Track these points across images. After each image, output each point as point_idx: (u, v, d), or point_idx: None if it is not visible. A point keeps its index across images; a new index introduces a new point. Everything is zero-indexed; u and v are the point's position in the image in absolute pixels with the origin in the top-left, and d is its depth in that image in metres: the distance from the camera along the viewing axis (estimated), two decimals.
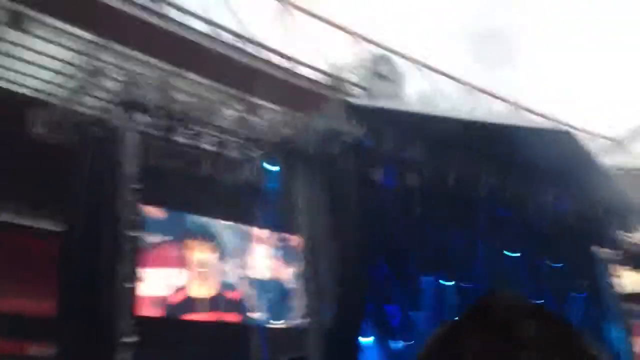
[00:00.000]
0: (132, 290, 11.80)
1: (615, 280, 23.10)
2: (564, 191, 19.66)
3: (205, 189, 14.18)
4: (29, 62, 13.34)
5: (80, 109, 13.30)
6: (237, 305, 13.67)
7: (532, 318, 0.70)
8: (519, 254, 20.85)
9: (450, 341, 0.73)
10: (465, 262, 19.30)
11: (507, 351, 0.66)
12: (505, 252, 20.55)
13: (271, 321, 14.05)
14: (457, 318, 0.78)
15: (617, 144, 32.35)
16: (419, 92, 20.92)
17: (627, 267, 23.25)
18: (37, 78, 13.67)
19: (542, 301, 21.43)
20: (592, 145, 24.14)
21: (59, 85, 13.72)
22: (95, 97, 13.45)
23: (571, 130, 21.49)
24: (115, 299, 11.45)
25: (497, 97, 26.72)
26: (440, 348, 0.74)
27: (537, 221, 19.57)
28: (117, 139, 12.86)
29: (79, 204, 11.98)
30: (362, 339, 14.98)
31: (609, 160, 29.93)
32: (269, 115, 15.43)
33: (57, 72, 13.60)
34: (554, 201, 19.82)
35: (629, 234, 23.24)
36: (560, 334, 0.70)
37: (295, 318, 14.23)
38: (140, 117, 13.06)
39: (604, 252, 22.73)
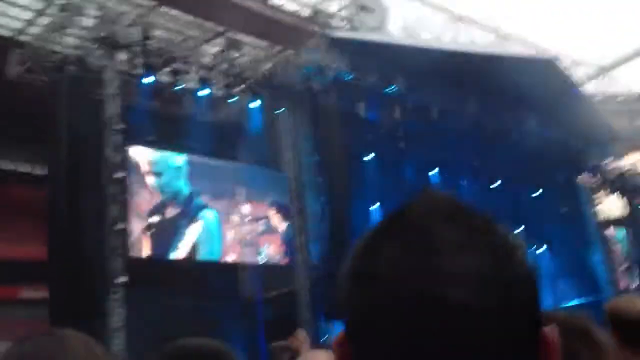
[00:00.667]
0: (122, 231, 11.87)
1: (595, 207, 23.64)
2: (547, 120, 19.79)
3: (188, 128, 14.08)
4: (2, 0, 12.90)
5: (57, 48, 12.98)
6: (228, 244, 13.84)
7: (451, 221, 0.69)
8: (499, 182, 21.19)
9: (368, 248, 0.72)
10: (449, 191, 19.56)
11: (423, 257, 0.66)
12: (488, 180, 20.86)
13: (260, 258, 14.29)
14: (374, 226, 0.76)
15: (602, 70, 32.36)
16: (402, 24, 20.60)
17: (607, 193, 23.75)
18: (11, 17, 13.25)
19: (522, 227, 22.01)
20: (576, 73, 24.16)
21: (35, 24, 13.33)
22: (73, 35, 13.10)
23: (555, 58, 21.40)
24: (104, 240, 11.54)
25: (480, 26, 26.41)
26: (359, 256, 0.73)
27: (519, 150, 19.80)
28: (97, 78, 12.64)
29: (61, 147, 11.86)
30: None
31: (593, 87, 30.07)
32: (251, 51, 15.18)
33: (32, 10, 13.19)
34: (536, 130, 19.99)
35: (610, 161, 23.62)
36: (481, 235, 0.69)
37: (283, 255, 14.48)
38: (119, 55, 12.80)
39: (585, 179, 23.14)
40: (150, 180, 12.97)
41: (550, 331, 0.71)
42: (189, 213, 13.33)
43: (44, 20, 13.25)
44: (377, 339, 0.67)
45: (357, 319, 0.70)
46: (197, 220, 13.40)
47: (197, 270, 13.51)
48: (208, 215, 13.62)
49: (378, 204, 17.32)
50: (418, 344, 0.64)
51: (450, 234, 0.67)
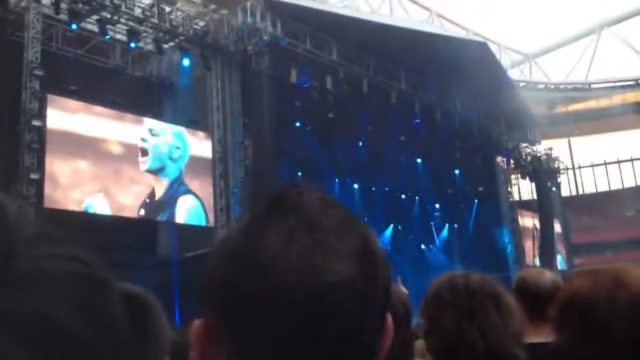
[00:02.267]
0: (39, 181, 11.46)
1: (509, 188, 24.69)
2: (471, 101, 20.37)
3: (114, 81, 13.62)
4: None
5: None
6: (148, 202, 13.60)
7: (328, 207, 0.75)
8: (420, 160, 21.75)
9: (249, 232, 0.73)
10: (372, 167, 19.93)
11: (311, 237, 0.71)
12: (412, 155, 21.34)
13: (181, 220, 14.14)
14: (250, 210, 0.79)
15: (527, 58, 33.45)
16: None
17: (522, 177, 24.83)
18: None
19: (442, 204, 22.76)
20: (504, 58, 24.88)
21: None
22: None
23: (485, 42, 21.96)
24: (20, 190, 11.11)
25: (416, 3, 26.68)
26: (239, 240, 0.73)
27: (442, 128, 20.33)
28: (19, 20, 11.99)
29: None
30: None
31: (517, 73, 31.06)
32: (184, 6, 14.76)
33: None
34: (460, 110, 20.56)
35: (527, 145, 24.63)
36: (351, 219, 0.76)
37: (204, 216, 14.39)
38: None
39: (502, 160, 24.07)
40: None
41: (389, 316, 0.79)
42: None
43: None
44: (263, 319, 0.69)
45: (238, 302, 0.70)
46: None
47: (115, 225, 13.26)
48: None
49: (301, 171, 17.44)
50: (308, 311, 0.68)
51: (330, 218, 0.73)
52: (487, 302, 1.92)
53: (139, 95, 13.75)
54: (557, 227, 25.15)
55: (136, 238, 13.55)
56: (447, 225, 23.37)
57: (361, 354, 0.74)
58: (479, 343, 1.85)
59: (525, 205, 25.47)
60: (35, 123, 11.68)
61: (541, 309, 2.59)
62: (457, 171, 22.94)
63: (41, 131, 11.78)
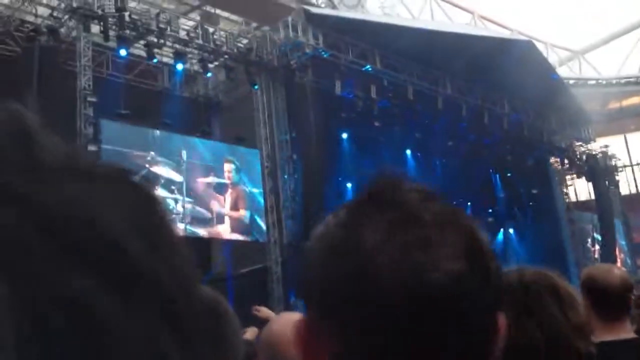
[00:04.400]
0: None
1: (564, 189, 24.05)
2: (520, 102, 19.99)
3: (162, 103, 13.94)
4: None
5: (30, 18, 12.71)
6: (202, 219, 13.83)
7: (427, 200, 0.72)
8: (471, 165, 21.42)
9: (347, 231, 0.71)
10: (420, 175, 19.76)
11: (412, 231, 0.68)
12: (461, 161, 21.05)
13: (234, 235, 14.31)
14: (348, 202, 0.76)
15: (576, 55, 32.68)
16: (380, 2, 20.52)
17: (577, 176, 24.15)
18: None
19: (495, 208, 22.32)
20: (551, 56, 24.38)
21: None
22: (45, 4, 12.83)
23: (531, 40, 21.56)
24: None
25: (458, 7, 26.43)
26: (337, 240, 0.71)
27: (492, 131, 20.00)
28: (70, 50, 12.42)
29: None
30: None
31: (566, 70, 30.36)
32: (227, 25, 15.03)
33: None
34: (509, 112, 20.20)
35: (581, 144, 23.98)
36: (452, 212, 0.72)
37: (257, 232, 14.52)
38: (93, 27, 12.59)
39: (556, 161, 23.49)
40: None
41: (502, 316, 0.74)
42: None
43: None
44: (364, 317, 0.67)
45: (339, 300, 0.68)
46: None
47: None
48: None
49: (351, 183, 17.41)
50: (414, 310, 0.66)
51: (430, 211, 0.70)
52: (543, 295, 1.86)
53: (187, 115, 14.02)
54: (619, 227, 24.33)
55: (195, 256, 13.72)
56: (501, 230, 22.90)
57: (476, 354, 0.70)
58: (538, 337, 1.79)
59: (583, 205, 24.74)
60: (92, 148, 12.04)
61: (611, 307, 2.49)
62: (509, 174, 22.50)
63: (97, 155, 12.13)
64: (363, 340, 0.68)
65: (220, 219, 14.20)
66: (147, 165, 13.01)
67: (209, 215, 13.96)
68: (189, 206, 13.63)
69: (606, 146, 24.81)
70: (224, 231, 14.29)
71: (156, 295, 0.36)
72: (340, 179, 16.82)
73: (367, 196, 0.74)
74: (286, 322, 1.90)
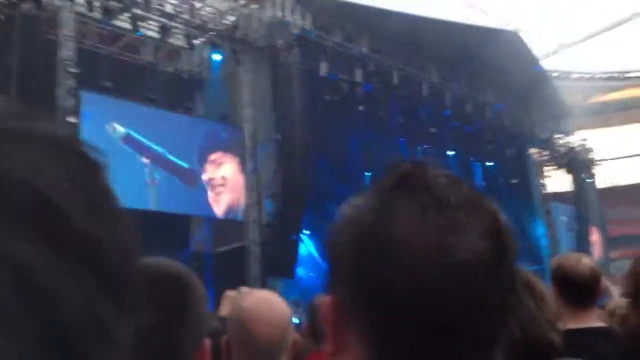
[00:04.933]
0: None
1: (542, 180, 24.31)
2: (504, 92, 20.08)
3: (146, 77, 13.78)
4: None
5: None
6: (183, 197, 13.76)
7: (453, 184, 0.75)
8: (453, 152, 21.51)
9: (378, 210, 0.73)
10: (403, 159, 19.79)
11: (443, 215, 0.71)
12: (444, 148, 21.15)
13: (213, 213, 14.27)
14: (375, 186, 0.77)
15: (561, 48, 32.87)
16: None
17: (556, 168, 24.43)
18: None
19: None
20: (536, 48, 24.46)
21: None
22: None
23: (517, 31, 21.62)
24: None
25: None
26: (368, 219, 0.73)
27: (475, 120, 20.10)
28: (52, 18, 12.20)
29: (10, 87, 11.47)
30: (301, 233, 15.37)
31: (551, 63, 30.53)
32: (214, 2, 14.85)
33: None
34: (492, 101, 20.30)
35: (562, 136, 24.21)
36: (477, 195, 0.76)
37: (236, 211, 14.49)
38: None
39: (535, 152, 23.70)
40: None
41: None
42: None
43: None
44: (398, 298, 0.69)
45: (373, 283, 0.70)
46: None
47: (148, 220, 13.44)
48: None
49: (331, 165, 17.41)
50: (445, 289, 0.69)
51: (457, 195, 0.73)
52: (521, 293, 1.93)
53: (170, 91, 13.90)
54: (594, 220, 24.67)
55: (169, 232, 13.72)
56: None
57: (495, 329, 0.74)
58: (515, 329, 1.85)
59: (559, 197, 25.04)
60: (70, 120, 11.89)
61: (579, 295, 2.55)
62: (489, 163, 22.67)
63: (76, 128, 11.97)
64: (391, 321, 0.71)
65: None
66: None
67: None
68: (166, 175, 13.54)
69: (585, 139, 25.07)
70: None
71: (97, 261, 0.36)
72: (322, 160, 16.80)
73: (395, 181, 0.76)
74: (256, 299, 1.91)
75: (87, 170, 0.39)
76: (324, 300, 0.78)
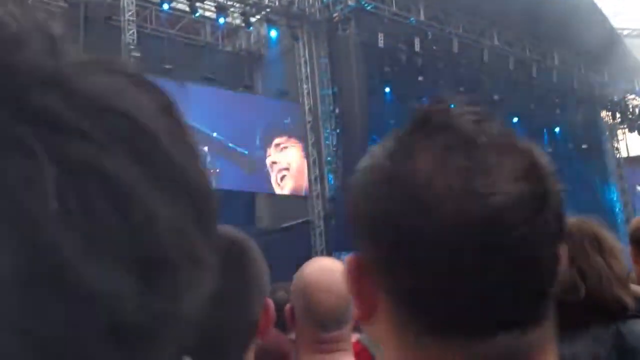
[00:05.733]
0: None
1: (615, 144, 23.35)
2: (569, 53, 19.32)
3: (205, 57, 13.97)
4: None
5: None
6: (245, 181, 13.96)
7: (479, 123, 0.67)
8: (516, 119, 20.89)
9: (397, 161, 0.67)
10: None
11: (469, 155, 0.64)
12: (508, 115, 20.58)
13: (277, 190, 14.42)
14: (394, 132, 0.72)
15: (627, 4, 31.24)
16: None
17: (629, 130, 23.38)
18: None
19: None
20: (604, 6, 23.33)
21: None
22: None
23: None
24: None
25: None
26: (386, 172, 0.67)
27: (540, 84, 19.44)
28: (113, 5, 12.51)
29: None
30: None
31: (619, 21, 29.08)
32: None
33: None
34: (558, 64, 19.57)
35: (634, 97, 23.13)
36: (510, 136, 0.69)
37: (300, 192, 14.60)
38: None
39: (607, 115, 22.76)
40: None
41: (564, 248, 0.71)
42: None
43: None
44: (423, 252, 0.63)
45: (394, 235, 0.65)
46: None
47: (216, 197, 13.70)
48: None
49: None
50: (475, 238, 0.62)
51: (486, 133, 0.67)
52: (586, 244, 1.83)
53: (230, 70, 14.05)
54: None
55: (235, 209, 13.96)
56: None
57: (538, 287, 0.67)
58: (580, 287, 1.76)
59: (634, 161, 24.00)
60: None
61: None
62: (557, 128, 21.94)
63: None
64: (417, 277, 0.65)
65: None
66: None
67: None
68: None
69: None
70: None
71: (186, 189, 0.38)
72: (382, 134, 16.63)
73: (414, 123, 0.70)
74: (318, 266, 1.90)
75: (171, 105, 0.41)
76: (347, 259, 0.71)
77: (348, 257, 0.72)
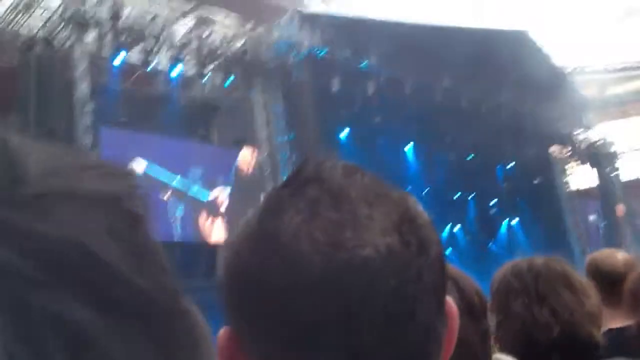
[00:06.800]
0: None
1: (566, 177, 23.99)
2: (519, 92, 19.93)
3: (160, 108, 13.92)
4: None
5: (24, 30, 12.69)
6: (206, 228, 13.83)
7: (352, 174, 0.66)
8: (473, 155, 21.33)
9: (266, 217, 0.65)
10: (422, 168, 19.74)
11: (338, 208, 0.62)
12: (462, 153, 20.99)
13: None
14: (269, 192, 0.69)
15: (573, 42, 32.60)
16: None
17: (580, 163, 24.09)
18: None
19: (496, 200, 22.26)
20: (546, 46, 24.31)
21: None
22: (39, 15, 12.81)
23: (525, 31, 21.51)
24: None
25: None
26: (255, 229, 0.65)
27: (492, 123, 19.96)
28: (66, 59, 12.40)
29: (29, 129, 11.64)
30: None
31: (565, 60, 30.30)
32: (222, 28, 15.01)
33: None
34: (508, 102, 20.15)
35: (582, 131, 23.92)
36: (380, 186, 0.67)
37: None
38: (88, 35, 12.57)
39: (557, 149, 23.43)
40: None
41: (451, 302, 0.68)
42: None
43: (8, 1, 12.94)
44: (291, 308, 0.60)
45: (263, 293, 0.61)
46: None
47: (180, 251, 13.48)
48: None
49: None
50: (340, 300, 0.59)
51: (356, 186, 0.65)
52: (555, 283, 1.84)
53: (185, 120, 14.01)
54: (620, 213, 24.26)
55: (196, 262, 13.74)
56: (506, 221, 22.88)
57: (413, 346, 0.62)
58: (552, 325, 1.77)
59: (585, 194, 24.67)
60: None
61: (615, 291, 2.48)
62: (510, 164, 22.47)
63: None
64: (289, 338, 0.61)
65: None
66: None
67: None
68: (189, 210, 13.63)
69: (605, 133, 24.71)
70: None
71: (145, 317, 0.37)
72: None
73: (286, 180, 0.67)
74: None
75: (132, 224, 0.40)
76: (220, 335, 0.66)
77: (221, 332, 0.66)
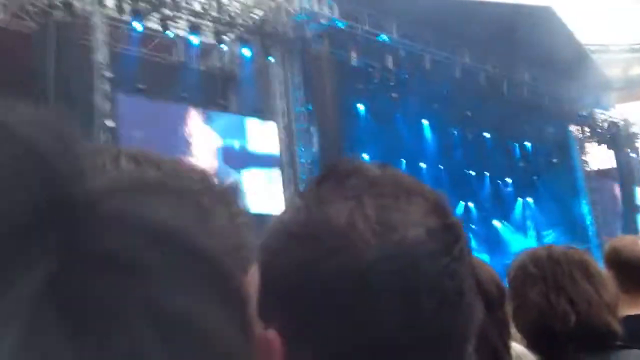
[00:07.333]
0: None
1: (585, 157, 23.74)
2: (540, 69, 19.66)
3: (179, 76, 13.90)
4: None
5: None
6: None
7: (387, 170, 0.70)
8: (490, 133, 21.14)
9: (312, 207, 0.66)
10: (439, 145, 19.63)
11: (377, 202, 0.65)
12: (480, 131, 20.82)
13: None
14: (308, 188, 0.71)
15: (597, 20, 31.97)
16: None
17: (598, 144, 23.81)
18: None
19: (512, 179, 22.09)
20: (571, 22, 23.86)
21: None
22: None
23: (550, 6, 21.11)
24: None
25: None
26: (303, 221, 0.66)
27: (511, 100, 19.73)
28: (85, 24, 12.39)
29: (48, 94, 11.69)
30: None
31: (587, 36, 29.73)
32: None
33: None
34: (528, 80, 19.90)
35: (602, 111, 23.58)
36: (415, 183, 0.71)
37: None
38: (108, 1, 12.53)
39: (576, 129, 23.16)
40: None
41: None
42: None
43: None
44: (352, 289, 0.62)
45: (318, 284, 0.63)
46: None
47: None
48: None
49: (368, 154, 17.34)
50: (398, 273, 0.63)
51: (393, 180, 0.69)
52: (574, 272, 1.84)
53: (203, 89, 13.99)
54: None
55: None
56: (520, 200, 22.74)
57: (461, 315, 0.67)
58: (569, 315, 1.76)
59: (603, 173, 24.42)
60: (108, 123, 12.08)
61: (635, 280, 2.46)
62: (528, 143, 22.26)
63: (114, 131, 12.16)
64: (351, 322, 0.63)
65: None
66: None
67: None
68: None
69: (627, 113, 24.35)
70: None
71: (241, 302, 0.42)
72: (356, 150, 16.72)
73: (323, 175, 0.70)
74: None
75: (230, 217, 0.45)
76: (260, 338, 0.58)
77: (266, 335, 0.59)
